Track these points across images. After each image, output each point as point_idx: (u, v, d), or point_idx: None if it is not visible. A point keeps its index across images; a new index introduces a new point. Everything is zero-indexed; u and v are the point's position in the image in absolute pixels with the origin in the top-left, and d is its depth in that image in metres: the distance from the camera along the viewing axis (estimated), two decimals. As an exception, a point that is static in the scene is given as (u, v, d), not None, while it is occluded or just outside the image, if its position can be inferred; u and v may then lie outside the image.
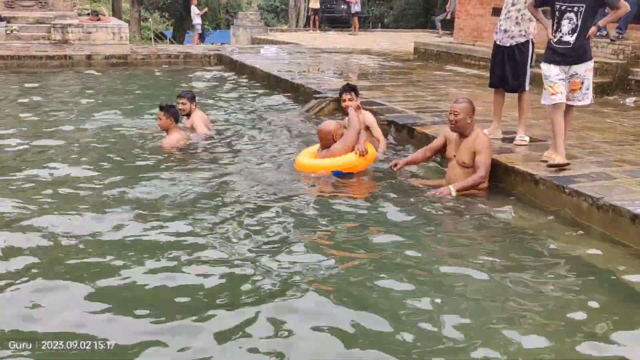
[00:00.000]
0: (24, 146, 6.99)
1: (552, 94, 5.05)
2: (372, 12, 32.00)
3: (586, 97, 5.15)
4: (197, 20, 24.45)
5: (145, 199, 5.18)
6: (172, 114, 6.79)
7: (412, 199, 5.32)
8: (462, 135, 5.25)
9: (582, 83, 5.02)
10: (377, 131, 6.59)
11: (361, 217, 4.89)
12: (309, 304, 3.54)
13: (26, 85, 11.24)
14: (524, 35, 5.86)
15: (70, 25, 16.01)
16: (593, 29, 4.93)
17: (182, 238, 4.45)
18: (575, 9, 4.78)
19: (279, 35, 22.77)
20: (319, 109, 8.74)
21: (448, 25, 19.48)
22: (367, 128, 6.47)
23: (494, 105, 6.34)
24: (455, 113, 5.21)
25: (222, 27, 34.21)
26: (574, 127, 6.31)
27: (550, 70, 5.08)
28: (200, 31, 25.23)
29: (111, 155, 6.62)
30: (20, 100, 9.90)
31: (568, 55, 4.98)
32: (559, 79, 5.03)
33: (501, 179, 5.48)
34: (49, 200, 5.28)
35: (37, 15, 16.50)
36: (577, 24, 4.81)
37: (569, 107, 5.18)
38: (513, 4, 5.86)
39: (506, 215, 4.84)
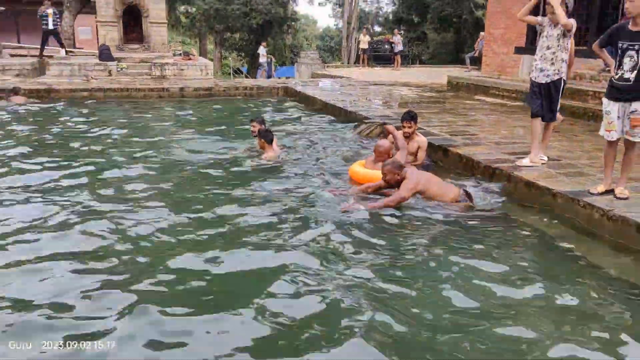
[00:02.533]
0: (135, 164, 7.05)
1: (608, 130, 4.69)
2: (412, 51, 31.84)
3: None
4: (262, 59, 24.91)
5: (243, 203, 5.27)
6: (264, 135, 7.00)
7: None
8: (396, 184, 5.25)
9: None
10: (424, 153, 6.58)
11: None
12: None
13: (132, 113, 11.59)
14: (558, 74, 5.64)
15: (167, 63, 16.44)
16: None
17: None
18: (637, 47, 4.39)
19: (333, 71, 22.88)
20: (368, 132, 8.79)
21: (476, 62, 19.31)
22: (418, 149, 6.49)
23: (533, 134, 5.95)
24: (384, 174, 5.26)
25: (287, 64, 34.56)
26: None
27: (610, 107, 4.67)
28: (265, 68, 25.65)
29: (207, 169, 6.75)
30: (126, 123, 10.14)
31: (628, 92, 4.51)
32: (617, 118, 4.61)
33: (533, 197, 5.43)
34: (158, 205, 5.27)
35: (141, 56, 17.05)
36: (638, 62, 4.39)
37: (631, 143, 4.64)
38: (548, 48, 5.64)
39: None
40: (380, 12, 41.12)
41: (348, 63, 31.70)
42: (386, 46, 28.55)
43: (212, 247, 4.24)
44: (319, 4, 50.20)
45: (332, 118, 10.77)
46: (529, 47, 13.09)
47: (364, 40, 25.24)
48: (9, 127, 9.43)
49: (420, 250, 4.23)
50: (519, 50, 13.86)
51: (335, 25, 43.38)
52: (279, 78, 24.84)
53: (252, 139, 7.73)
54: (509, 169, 5.75)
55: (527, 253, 4.29)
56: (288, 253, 4.12)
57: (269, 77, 25.68)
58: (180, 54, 19.06)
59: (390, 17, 37.67)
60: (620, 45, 4.54)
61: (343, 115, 10.47)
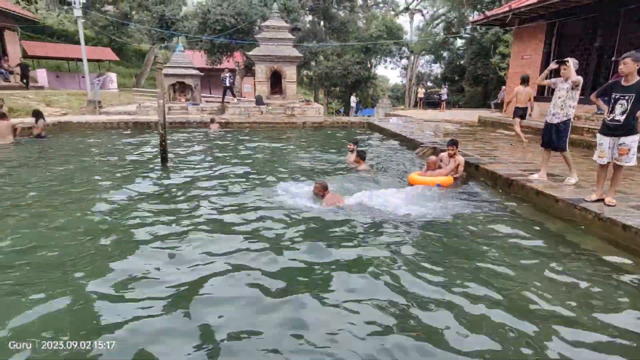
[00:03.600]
0: (281, 167, 7.25)
1: (601, 157, 4.33)
2: (452, 98, 30.37)
3: (632, 160, 4.15)
4: (353, 104, 24.94)
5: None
6: (360, 153, 7.01)
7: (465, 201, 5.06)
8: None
9: (629, 150, 4.11)
10: (462, 167, 6.33)
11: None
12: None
13: (272, 139, 11.97)
14: (566, 116, 5.20)
15: (295, 107, 16.89)
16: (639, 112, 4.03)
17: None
18: (627, 97, 4.03)
19: (399, 112, 22.38)
20: (422, 153, 8.54)
21: (498, 106, 18.07)
22: (458, 165, 6.28)
23: (543, 159, 5.58)
24: (315, 189, 4.97)
25: (369, 107, 34.39)
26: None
27: (602, 140, 4.31)
28: (355, 110, 25.66)
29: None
30: (269, 144, 10.42)
31: (618, 130, 4.14)
32: (608, 148, 4.25)
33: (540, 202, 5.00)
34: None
35: (280, 102, 17.59)
36: (627, 108, 4.04)
37: (619, 166, 4.25)
38: (559, 97, 5.22)
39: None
40: (432, 73, 39.77)
41: (409, 106, 30.91)
42: (435, 95, 27.46)
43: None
44: (391, 68, 49.41)
45: (398, 142, 10.59)
46: (539, 97, 12.07)
47: (421, 92, 24.51)
48: (215, 142, 10.21)
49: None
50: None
51: (401, 82, 42.45)
52: (363, 116, 24.77)
53: (344, 154, 7.88)
54: (522, 181, 5.37)
55: (535, 240, 4.01)
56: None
57: (356, 114, 25.68)
58: (302, 101, 19.54)
59: (439, 76, 36.47)
60: (614, 95, 4.18)
61: (406, 141, 10.26)
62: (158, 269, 3.22)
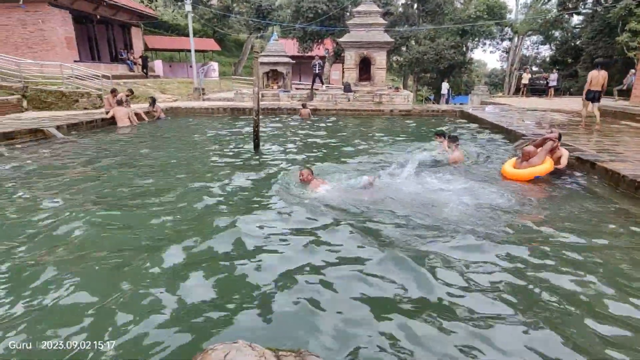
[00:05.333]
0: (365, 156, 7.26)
1: None
2: (563, 85, 26.74)
3: None
4: (444, 90, 23.57)
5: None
6: (452, 138, 6.66)
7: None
8: None
9: None
10: (565, 159, 5.65)
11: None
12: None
13: (360, 126, 11.85)
14: None
15: (383, 94, 16.48)
16: None
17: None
18: None
19: (497, 99, 20.49)
20: (523, 147, 7.68)
21: (623, 93, 15.39)
22: (560, 157, 5.61)
23: None
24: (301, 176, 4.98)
25: (462, 94, 32.15)
26: None
27: None
28: (446, 97, 24.20)
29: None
30: (357, 127, 10.34)
31: None
32: None
33: None
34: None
35: (367, 89, 17.32)
36: None
37: None
38: None
39: None
40: (539, 56, 35.36)
41: (508, 94, 28.12)
42: (541, 81, 24.49)
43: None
44: (490, 52, 45.42)
45: (494, 133, 9.68)
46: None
47: (526, 77, 21.98)
48: (303, 128, 10.50)
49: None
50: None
51: (501, 66, 38.67)
52: (455, 104, 23.23)
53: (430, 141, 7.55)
54: (654, 184, 4.51)
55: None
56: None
57: (447, 103, 24.17)
58: (390, 87, 18.99)
59: (547, 59, 32.30)
60: None
61: (504, 133, 9.36)
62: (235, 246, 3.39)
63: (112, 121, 10.97)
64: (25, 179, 5.45)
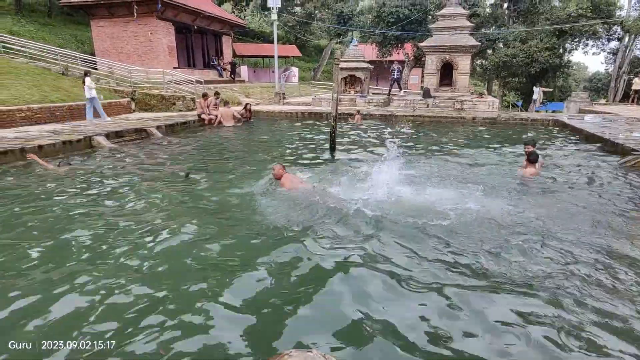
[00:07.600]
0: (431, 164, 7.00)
1: None
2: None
3: None
4: (535, 96, 21.52)
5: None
6: (531, 155, 6.17)
7: None
8: None
9: None
10: None
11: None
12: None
13: (434, 134, 11.42)
14: None
15: (465, 100, 15.71)
16: None
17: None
18: None
19: (599, 107, 18.21)
20: (633, 162, 6.76)
21: None
22: None
23: None
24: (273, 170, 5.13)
25: (555, 100, 29.16)
26: None
27: None
28: (536, 103, 22.13)
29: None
30: (436, 136, 9.95)
31: None
32: None
33: None
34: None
35: (448, 94, 16.69)
36: None
37: None
38: None
39: None
40: (656, 57, 30.58)
41: (613, 101, 24.79)
42: (656, 87, 21.11)
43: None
44: (593, 53, 40.44)
45: (595, 146, 8.62)
46: None
47: (637, 82, 19.17)
48: (361, 131, 10.49)
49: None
50: None
51: (605, 70, 34.14)
52: (546, 112, 21.19)
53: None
54: None
55: None
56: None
57: (537, 111, 22.10)
58: (473, 93, 17.99)
59: (666, 61, 27.71)
60: None
61: (609, 146, 8.29)
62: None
63: (202, 123, 12.08)
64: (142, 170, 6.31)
